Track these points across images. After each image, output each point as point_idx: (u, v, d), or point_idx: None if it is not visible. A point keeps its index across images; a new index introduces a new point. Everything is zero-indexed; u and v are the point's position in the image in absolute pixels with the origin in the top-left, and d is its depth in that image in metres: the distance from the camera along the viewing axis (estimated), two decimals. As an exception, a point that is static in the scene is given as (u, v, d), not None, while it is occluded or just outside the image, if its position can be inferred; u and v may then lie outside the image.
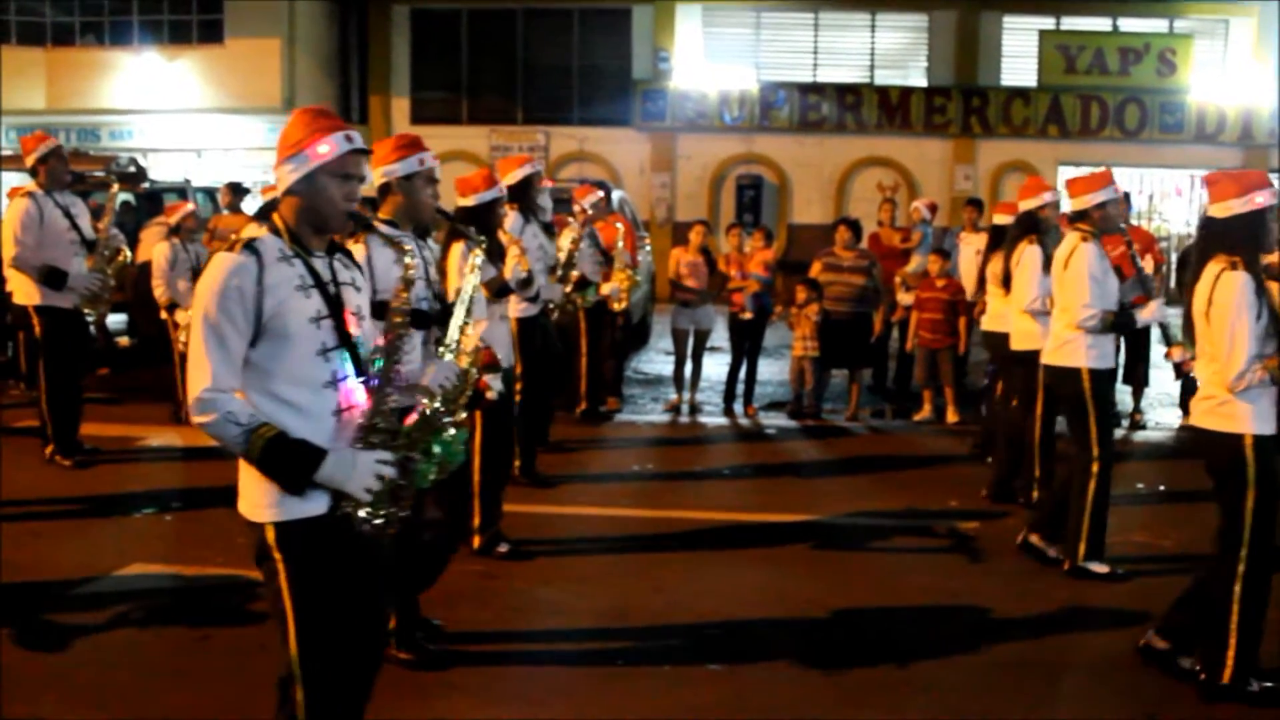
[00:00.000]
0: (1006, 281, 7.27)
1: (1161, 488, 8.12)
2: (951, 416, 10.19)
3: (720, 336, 11.30)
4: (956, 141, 22.71)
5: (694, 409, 10.56)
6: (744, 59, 23.04)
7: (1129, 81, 22.38)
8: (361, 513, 3.06)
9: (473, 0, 23.40)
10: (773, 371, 12.26)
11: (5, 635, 5.01)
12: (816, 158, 22.72)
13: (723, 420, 10.30)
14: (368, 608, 3.26)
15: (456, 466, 3.32)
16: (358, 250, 4.35)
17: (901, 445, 9.52)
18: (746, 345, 10.55)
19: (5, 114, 21.77)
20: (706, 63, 22.83)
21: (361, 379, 3.16)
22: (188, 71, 21.95)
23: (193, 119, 21.96)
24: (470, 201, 5.88)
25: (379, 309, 3.67)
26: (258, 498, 3.07)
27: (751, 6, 23.10)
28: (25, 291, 7.76)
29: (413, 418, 3.20)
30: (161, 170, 18.25)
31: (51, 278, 7.62)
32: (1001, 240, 7.76)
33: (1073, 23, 22.88)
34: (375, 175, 4.82)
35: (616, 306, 9.45)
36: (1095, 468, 5.91)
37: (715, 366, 11.64)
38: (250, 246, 3.03)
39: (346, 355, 3.13)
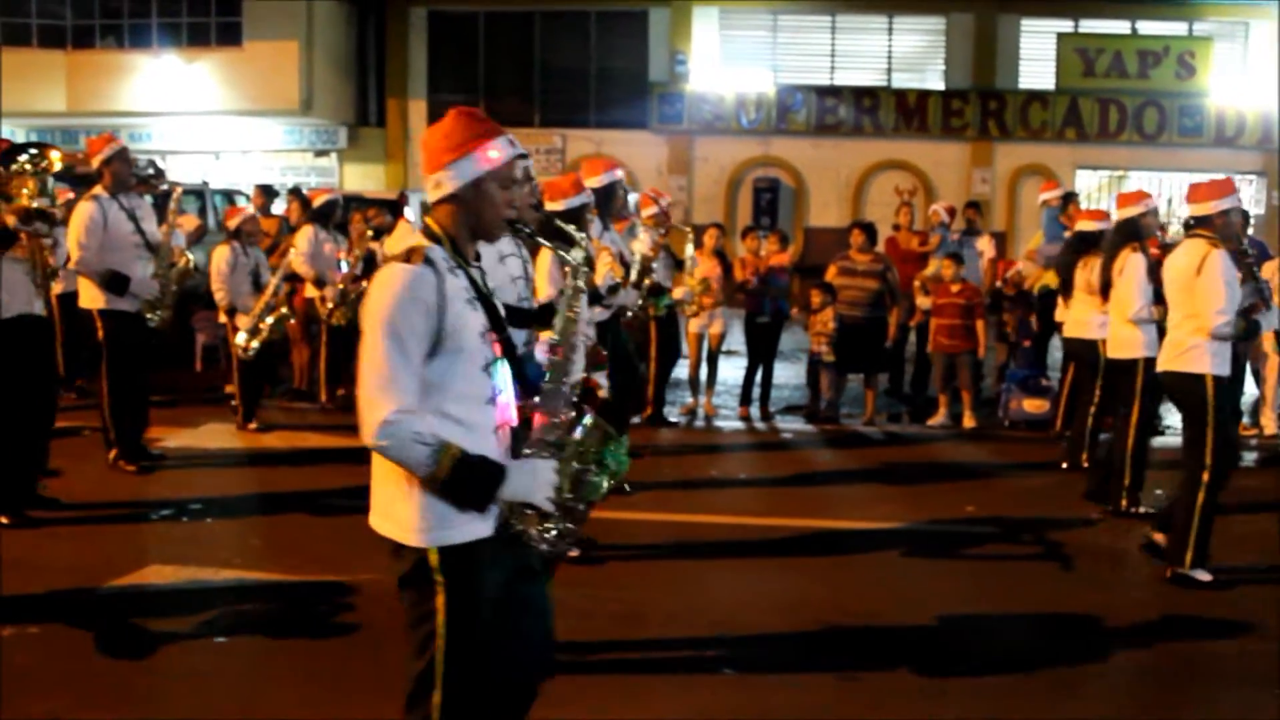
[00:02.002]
0: (1105, 290, 7.27)
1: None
2: (969, 421, 10.15)
3: (737, 340, 11.29)
4: (974, 145, 22.66)
5: (709, 413, 10.55)
6: (761, 62, 23.04)
7: (1148, 84, 22.30)
8: (534, 529, 2.98)
9: (490, 3, 23.45)
10: (789, 375, 12.23)
11: (25, 636, 5.04)
12: (833, 161, 22.70)
13: (739, 424, 10.28)
14: (528, 634, 3.15)
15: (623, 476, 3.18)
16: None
17: (919, 451, 9.49)
18: (763, 349, 10.53)
19: (26, 115, 21.92)
20: (723, 65, 22.84)
21: (519, 393, 3.06)
22: (206, 74, 22.06)
23: (211, 121, 22.10)
24: (559, 206, 5.89)
25: (524, 316, 3.49)
26: (415, 520, 2.93)
27: (768, 9, 23.10)
28: (90, 295, 7.64)
29: (579, 430, 3.09)
30: (180, 172, 18.34)
31: (114, 282, 7.53)
32: (1085, 248, 7.88)
33: (1091, 25, 22.83)
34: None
35: (689, 312, 9.48)
36: (1206, 476, 5.91)
37: (732, 370, 11.62)
38: (426, 257, 2.88)
39: (503, 370, 3.01)
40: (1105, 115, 22.34)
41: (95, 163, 7.68)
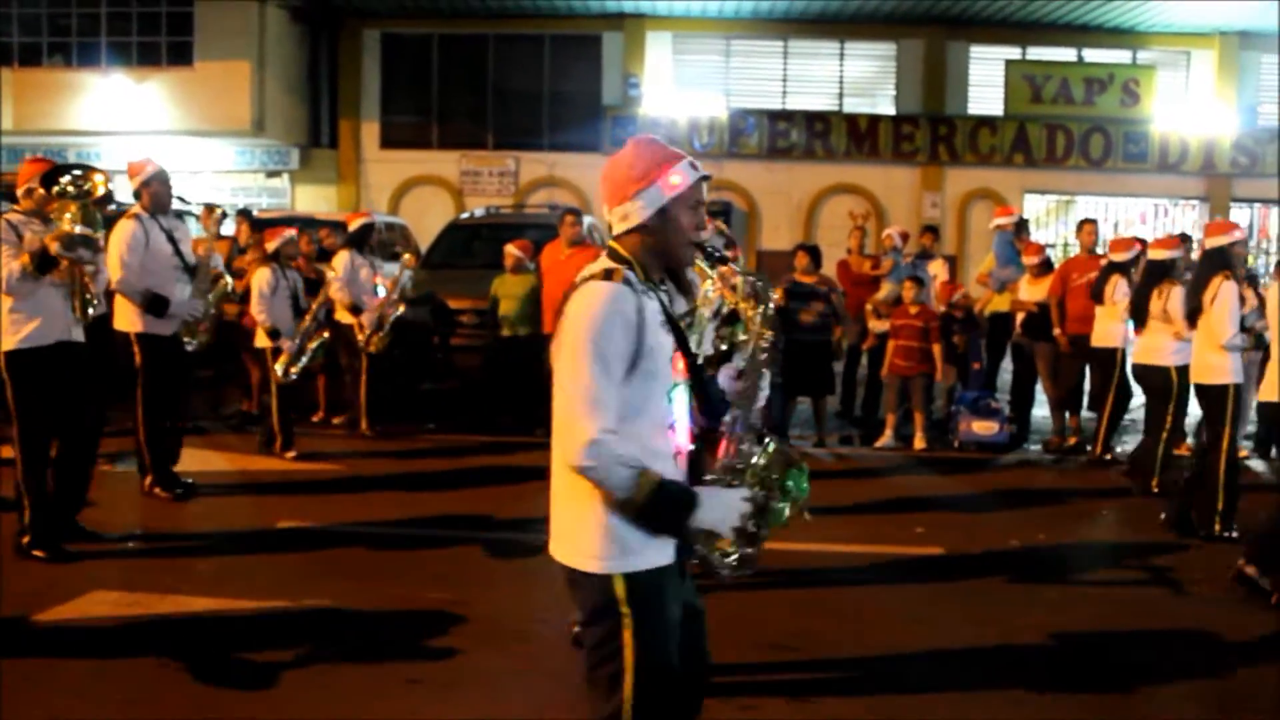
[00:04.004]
0: (1192, 316, 7.46)
1: None
2: (919, 443, 10.24)
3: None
4: (924, 169, 22.91)
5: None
6: (713, 86, 23.17)
7: (1093, 111, 22.67)
8: (716, 555, 2.96)
9: (443, 25, 23.43)
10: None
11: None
12: (785, 184, 22.85)
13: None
14: (695, 661, 3.12)
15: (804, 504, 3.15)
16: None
17: (869, 472, 9.53)
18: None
19: (-30, 134, 21.59)
20: (676, 89, 22.95)
21: (703, 418, 3.04)
22: (156, 94, 21.85)
23: (161, 141, 21.85)
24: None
25: None
26: (601, 547, 2.89)
27: (721, 34, 23.25)
28: (128, 318, 7.49)
29: (761, 457, 3.08)
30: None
31: (155, 304, 7.38)
32: (1160, 275, 8.15)
33: (1038, 53, 23.16)
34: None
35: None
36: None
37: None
38: (624, 278, 2.86)
39: (680, 395, 2.98)
40: (1052, 141, 22.67)
41: (134, 184, 7.56)
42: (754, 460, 3.06)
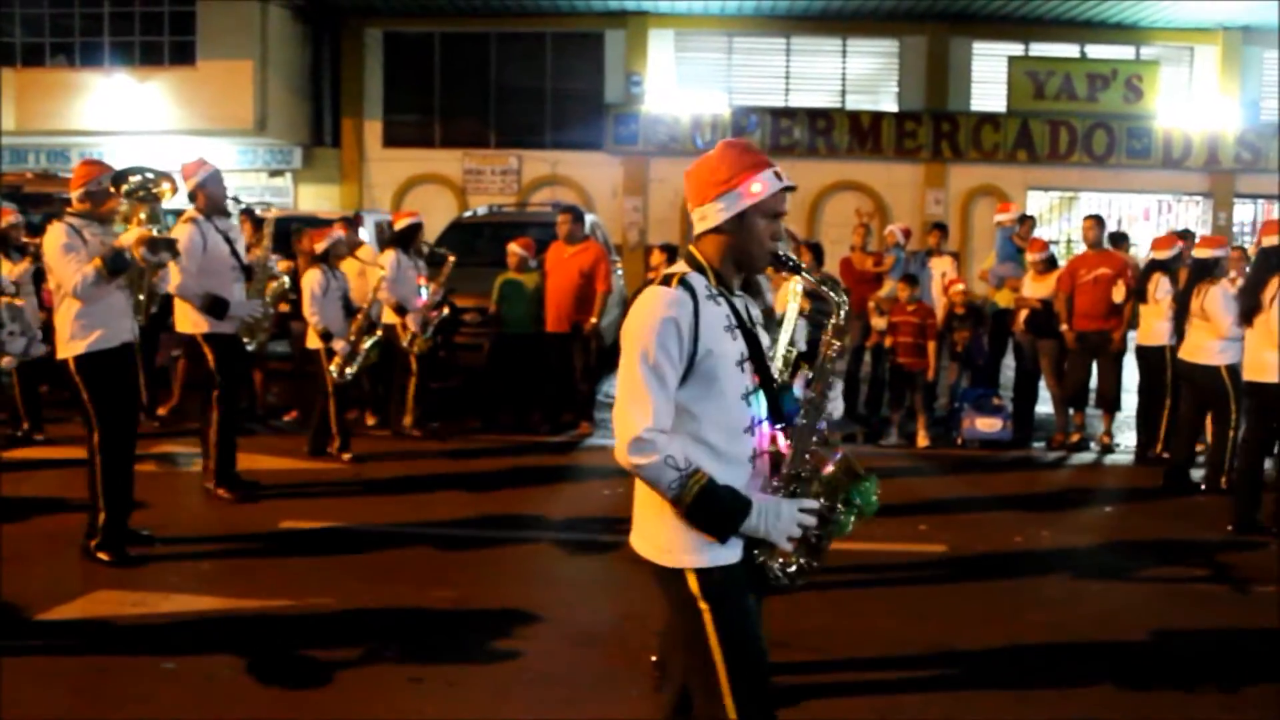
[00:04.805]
0: (1248, 315, 7.47)
1: None
2: (922, 440, 10.23)
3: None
4: (927, 166, 22.89)
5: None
6: (716, 83, 23.18)
7: (1096, 107, 22.64)
8: (775, 563, 2.99)
9: (445, 24, 23.44)
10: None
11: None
12: (788, 181, 22.81)
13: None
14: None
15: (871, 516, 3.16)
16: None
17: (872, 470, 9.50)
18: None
19: (-27, 135, 21.61)
20: (678, 87, 22.95)
21: (778, 425, 3.05)
22: (159, 93, 21.87)
23: (164, 141, 21.87)
24: None
25: None
26: (676, 541, 2.97)
27: (723, 31, 23.25)
28: (192, 320, 7.46)
29: (829, 467, 3.08)
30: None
31: (215, 306, 7.35)
32: (1203, 275, 8.20)
33: (1041, 49, 23.14)
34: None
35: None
36: None
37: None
38: (684, 282, 2.93)
39: (761, 399, 3.02)
40: (1056, 137, 22.65)
41: (189, 186, 7.46)
42: (822, 470, 3.07)
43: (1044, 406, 11.06)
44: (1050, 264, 10.57)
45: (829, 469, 3.08)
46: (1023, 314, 10.56)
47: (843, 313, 3.17)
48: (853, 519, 3.10)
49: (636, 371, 2.88)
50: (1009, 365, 11.44)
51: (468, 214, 16.38)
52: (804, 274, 3.24)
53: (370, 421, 10.68)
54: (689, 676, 3.09)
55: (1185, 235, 10.64)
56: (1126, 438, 10.64)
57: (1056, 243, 21.25)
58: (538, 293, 10.52)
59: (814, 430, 3.08)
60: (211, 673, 4.99)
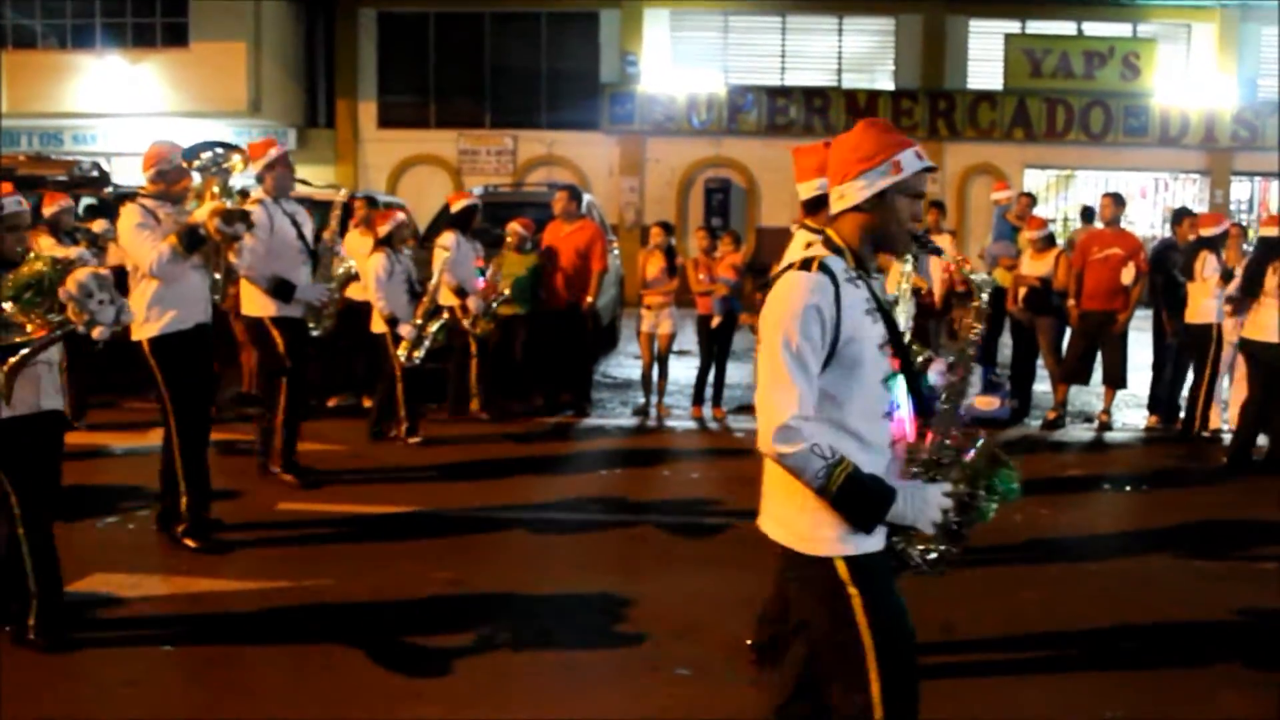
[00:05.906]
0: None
1: None
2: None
3: (689, 340, 11.27)
4: (924, 144, 22.18)
5: (662, 413, 10.52)
6: (711, 62, 23.09)
7: (1094, 85, 22.58)
8: (915, 550, 2.97)
9: (440, 4, 23.32)
10: (742, 374, 12.24)
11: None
12: (784, 161, 22.29)
13: (691, 424, 10.27)
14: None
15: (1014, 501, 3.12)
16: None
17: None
18: (715, 349, 10.50)
19: (-35, 118, 21.50)
20: (674, 66, 22.86)
21: (916, 409, 3.02)
22: (152, 75, 21.76)
23: (157, 123, 21.75)
24: None
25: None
26: (823, 530, 2.91)
27: (719, 10, 23.15)
28: (259, 303, 7.35)
29: (971, 453, 3.06)
30: (125, 175, 18.07)
31: (281, 289, 7.25)
32: (1272, 253, 8.31)
33: (1038, 26, 23.07)
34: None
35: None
36: None
37: (685, 370, 11.61)
38: (824, 266, 2.87)
39: (899, 384, 2.98)
40: (1053, 115, 22.59)
41: (257, 168, 7.29)
42: (963, 456, 3.04)
43: (1042, 385, 11.05)
44: (1049, 242, 10.53)
45: (970, 455, 3.05)
46: (1022, 291, 10.53)
47: (984, 296, 3.14)
48: (994, 506, 3.07)
49: (780, 358, 2.83)
50: (1005, 344, 11.43)
51: (463, 195, 16.28)
52: (945, 257, 3.22)
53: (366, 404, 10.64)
54: (824, 665, 3.03)
55: (1184, 213, 10.61)
56: (1124, 415, 10.64)
57: (1054, 221, 21.22)
58: (535, 272, 10.48)
59: (955, 416, 3.05)
60: (206, 655, 4.98)
